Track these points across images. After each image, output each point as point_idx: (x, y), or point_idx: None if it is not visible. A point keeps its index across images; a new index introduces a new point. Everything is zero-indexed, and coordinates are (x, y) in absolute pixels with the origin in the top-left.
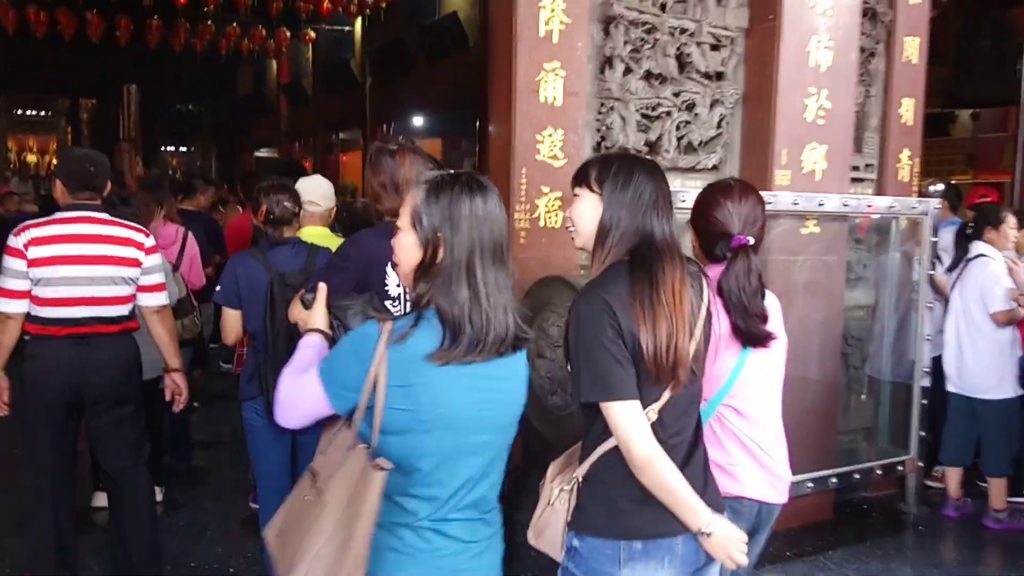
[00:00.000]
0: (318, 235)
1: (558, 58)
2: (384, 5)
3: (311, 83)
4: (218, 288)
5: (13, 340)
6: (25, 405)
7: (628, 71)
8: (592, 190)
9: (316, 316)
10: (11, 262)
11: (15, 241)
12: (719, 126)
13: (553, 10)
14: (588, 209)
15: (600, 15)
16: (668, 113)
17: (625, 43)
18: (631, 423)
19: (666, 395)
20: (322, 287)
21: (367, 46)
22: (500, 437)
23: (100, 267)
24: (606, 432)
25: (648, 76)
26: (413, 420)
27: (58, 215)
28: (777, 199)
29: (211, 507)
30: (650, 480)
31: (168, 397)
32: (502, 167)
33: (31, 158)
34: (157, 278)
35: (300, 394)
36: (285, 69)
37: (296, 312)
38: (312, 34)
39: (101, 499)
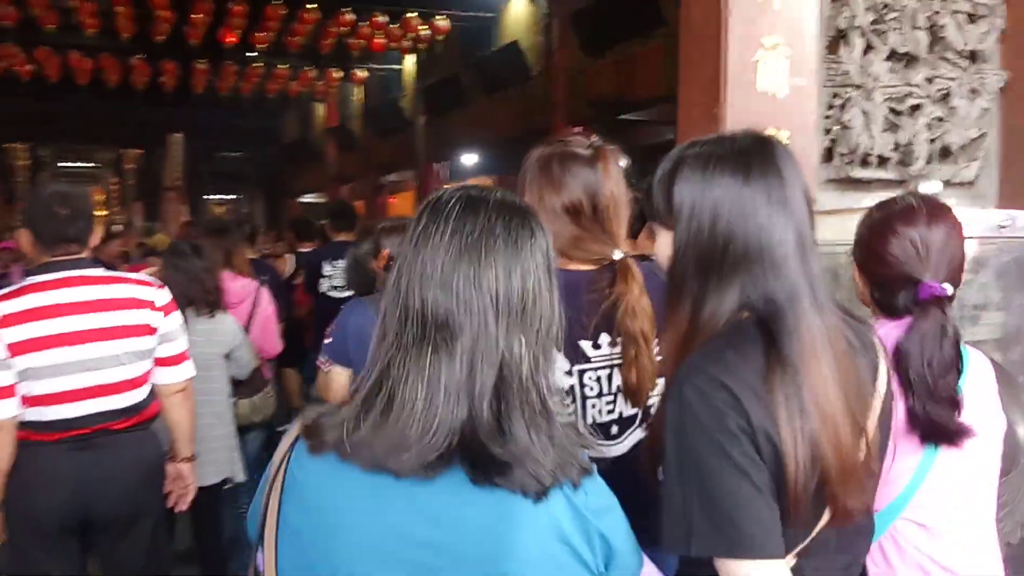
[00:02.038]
0: None
1: (780, 31)
2: (441, 38)
3: (360, 125)
4: (326, 341)
5: (9, 455)
6: (10, 529)
7: (868, 49)
8: (665, 224)
9: None
10: None
11: None
12: (979, 124)
13: None
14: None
15: None
16: (918, 107)
17: (867, 10)
18: None
19: (817, 528)
20: None
21: (419, 84)
22: None
23: (101, 344)
24: (707, 568)
25: (891, 56)
26: None
27: (31, 280)
28: None
29: None
30: None
31: (167, 488)
32: None
33: None
34: (179, 346)
35: None
36: (333, 112)
37: None
38: (362, 74)
39: None
